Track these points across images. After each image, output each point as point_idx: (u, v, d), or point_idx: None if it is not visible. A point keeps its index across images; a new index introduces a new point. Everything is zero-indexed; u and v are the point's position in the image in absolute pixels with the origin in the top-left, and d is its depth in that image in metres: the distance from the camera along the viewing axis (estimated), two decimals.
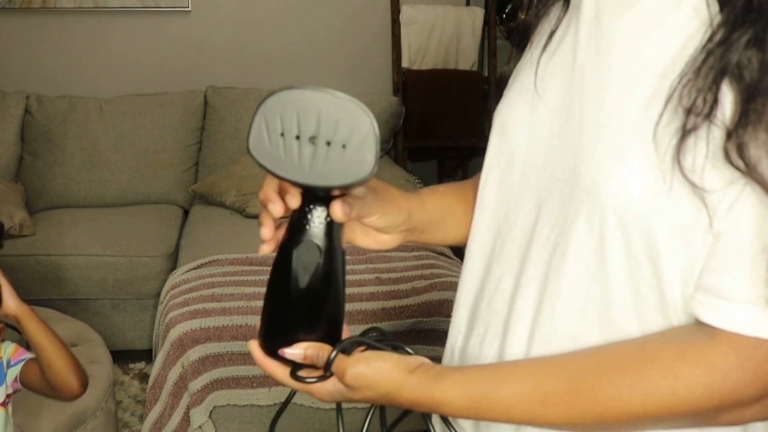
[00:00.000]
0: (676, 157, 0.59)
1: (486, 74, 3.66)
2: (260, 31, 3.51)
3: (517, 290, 0.73)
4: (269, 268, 0.69)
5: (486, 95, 3.59)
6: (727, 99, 0.58)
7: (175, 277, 2.47)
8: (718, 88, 0.58)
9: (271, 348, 0.69)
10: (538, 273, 0.70)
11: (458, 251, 2.70)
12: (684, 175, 0.59)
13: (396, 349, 0.70)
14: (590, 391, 0.63)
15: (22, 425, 1.74)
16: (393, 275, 2.38)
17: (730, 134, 0.57)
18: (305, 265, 0.66)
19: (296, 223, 0.67)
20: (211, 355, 2.13)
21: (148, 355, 2.75)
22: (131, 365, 2.83)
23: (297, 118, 0.62)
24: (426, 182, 3.49)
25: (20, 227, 2.85)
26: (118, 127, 3.27)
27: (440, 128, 3.57)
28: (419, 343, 2.21)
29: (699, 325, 0.62)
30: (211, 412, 2.14)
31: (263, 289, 0.70)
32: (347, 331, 0.72)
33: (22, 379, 1.44)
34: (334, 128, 0.61)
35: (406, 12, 3.50)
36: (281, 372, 0.69)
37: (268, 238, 0.69)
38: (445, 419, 0.73)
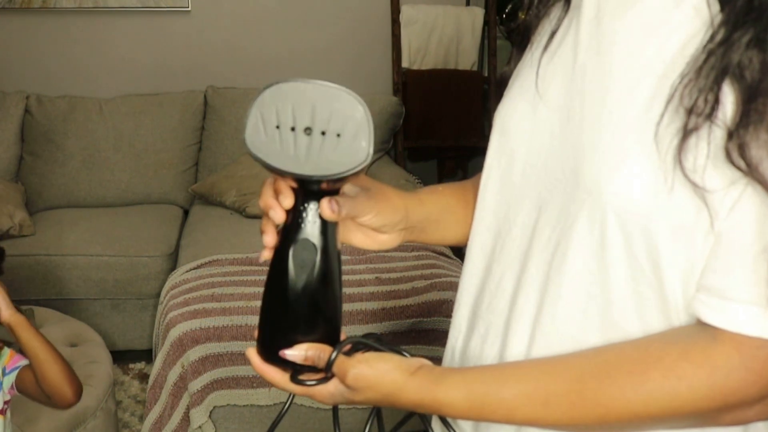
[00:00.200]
0: (677, 157, 0.59)
1: (486, 74, 3.66)
2: (260, 31, 3.51)
3: (518, 290, 0.72)
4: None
5: (486, 95, 3.59)
6: (729, 99, 0.58)
7: (175, 277, 2.47)
8: (719, 88, 0.58)
9: (271, 351, 0.69)
10: (539, 273, 0.70)
11: (458, 251, 2.70)
12: (685, 175, 0.59)
13: (394, 352, 0.70)
14: (592, 391, 0.63)
15: (22, 425, 1.74)
16: (393, 275, 2.38)
17: (731, 134, 0.57)
18: (302, 263, 0.66)
19: (292, 222, 0.67)
20: (211, 355, 2.13)
21: (148, 355, 2.75)
22: (131, 365, 2.83)
23: (292, 109, 0.62)
24: (426, 182, 3.49)
25: (20, 227, 2.85)
26: (118, 127, 3.27)
27: (440, 128, 3.57)
28: (419, 344, 2.21)
29: (701, 325, 0.62)
30: (211, 412, 2.14)
31: (263, 289, 0.70)
32: (345, 333, 0.72)
33: (18, 386, 1.44)
34: (328, 118, 0.62)
35: (406, 12, 3.50)
36: (280, 377, 0.69)
37: (272, 245, 0.68)
38: (444, 420, 0.73)
